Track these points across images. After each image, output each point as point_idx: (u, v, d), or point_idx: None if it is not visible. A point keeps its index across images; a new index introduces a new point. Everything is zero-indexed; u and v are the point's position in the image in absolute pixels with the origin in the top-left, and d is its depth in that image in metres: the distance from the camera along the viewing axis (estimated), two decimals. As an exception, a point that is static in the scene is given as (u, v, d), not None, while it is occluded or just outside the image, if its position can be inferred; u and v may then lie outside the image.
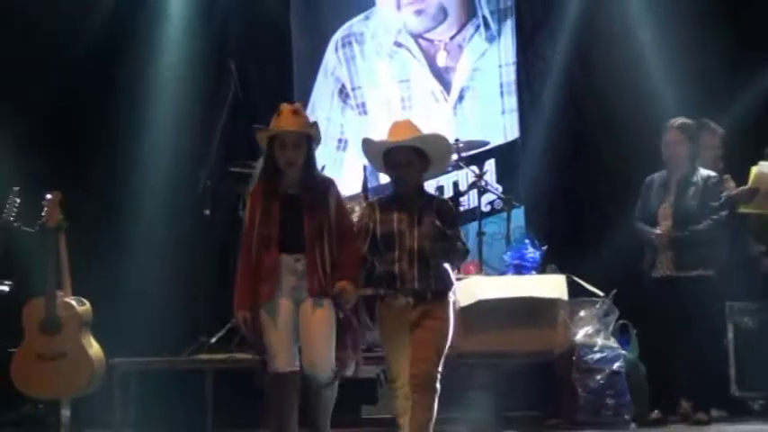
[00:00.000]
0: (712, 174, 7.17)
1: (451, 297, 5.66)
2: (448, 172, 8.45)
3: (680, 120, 7.20)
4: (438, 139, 5.82)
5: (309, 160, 5.66)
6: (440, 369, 5.53)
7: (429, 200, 5.77)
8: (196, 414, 7.31)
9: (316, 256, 5.53)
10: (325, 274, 5.53)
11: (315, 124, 5.75)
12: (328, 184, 5.72)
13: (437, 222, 5.54)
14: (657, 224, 7.10)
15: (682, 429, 6.82)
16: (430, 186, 8.39)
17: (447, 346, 5.57)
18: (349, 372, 5.73)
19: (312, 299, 5.53)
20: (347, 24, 9.42)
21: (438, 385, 5.51)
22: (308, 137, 5.64)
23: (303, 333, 5.55)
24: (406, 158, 5.64)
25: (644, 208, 7.22)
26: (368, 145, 5.82)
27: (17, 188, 7.38)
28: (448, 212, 5.69)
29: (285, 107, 5.67)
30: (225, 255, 7.63)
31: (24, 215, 7.33)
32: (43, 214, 7.16)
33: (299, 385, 5.58)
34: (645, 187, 7.27)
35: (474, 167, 8.45)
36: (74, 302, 7.16)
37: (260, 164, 5.72)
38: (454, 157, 8.20)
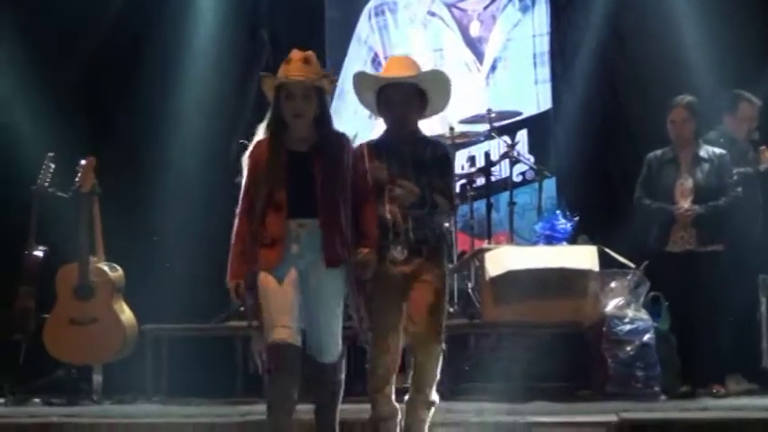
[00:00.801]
0: (723, 151, 7.15)
1: (445, 253, 5.30)
2: (480, 141, 8.44)
3: (687, 97, 7.17)
4: (439, 76, 5.32)
5: (322, 114, 5.04)
6: (443, 326, 5.19)
7: (424, 146, 5.26)
8: (227, 380, 7.36)
9: (331, 222, 4.94)
10: (343, 242, 4.96)
11: (328, 75, 5.12)
12: (344, 141, 5.09)
13: (429, 178, 5.12)
14: (673, 201, 7.07)
15: (712, 402, 6.78)
16: (461, 156, 8.45)
17: (446, 308, 5.26)
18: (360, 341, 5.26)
19: (325, 270, 4.97)
20: (380, -7, 9.40)
21: (443, 343, 5.19)
22: (320, 89, 5.03)
23: (311, 310, 4.99)
24: (404, 96, 5.14)
25: (651, 185, 7.19)
26: (362, 79, 5.32)
27: (52, 154, 7.44)
28: (442, 161, 5.23)
29: (295, 54, 5.06)
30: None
31: (58, 180, 7.39)
32: (77, 180, 7.21)
33: (300, 360, 4.94)
34: (648, 164, 7.24)
35: (506, 137, 8.42)
36: (106, 268, 7.22)
37: (267, 116, 5.12)
38: (480, 126, 8.24)
